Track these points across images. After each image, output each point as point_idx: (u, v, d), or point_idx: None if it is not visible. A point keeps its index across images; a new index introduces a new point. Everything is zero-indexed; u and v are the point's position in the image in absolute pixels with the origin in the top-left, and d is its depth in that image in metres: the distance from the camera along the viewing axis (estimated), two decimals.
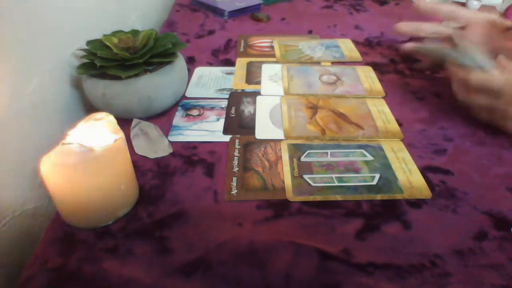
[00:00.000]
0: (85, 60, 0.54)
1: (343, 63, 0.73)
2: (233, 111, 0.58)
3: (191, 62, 0.72)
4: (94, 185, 0.37)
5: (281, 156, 0.49)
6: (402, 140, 0.52)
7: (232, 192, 0.44)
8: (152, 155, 0.49)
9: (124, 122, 0.49)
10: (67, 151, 0.36)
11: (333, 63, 0.73)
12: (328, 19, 0.94)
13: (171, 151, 0.50)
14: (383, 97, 0.62)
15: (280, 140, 0.52)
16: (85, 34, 0.58)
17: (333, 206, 0.42)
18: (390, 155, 0.49)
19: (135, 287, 0.34)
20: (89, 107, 0.58)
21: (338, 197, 0.43)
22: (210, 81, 0.66)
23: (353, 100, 0.61)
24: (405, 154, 0.50)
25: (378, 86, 0.65)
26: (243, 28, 0.89)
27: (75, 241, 0.38)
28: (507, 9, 1.88)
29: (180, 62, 0.58)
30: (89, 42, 0.55)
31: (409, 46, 0.62)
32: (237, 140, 0.52)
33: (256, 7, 0.97)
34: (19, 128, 0.45)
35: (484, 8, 1.85)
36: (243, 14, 0.95)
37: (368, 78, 0.67)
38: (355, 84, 0.65)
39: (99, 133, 0.39)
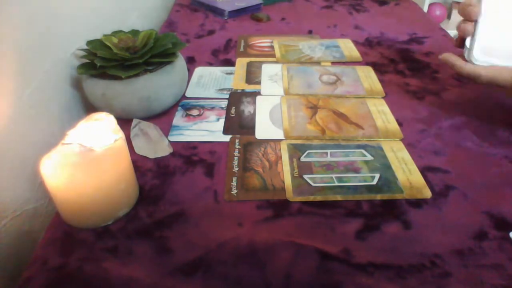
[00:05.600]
0: (85, 60, 0.54)
1: (343, 63, 0.73)
2: (233, 111, 0.58)
3: (191, 62, 0.72)
4: (94, 185, 0.37)
5: (281, 156, 0.49)
6: (402, 140, 0.52)
7: (232, 192, 0.44)
8: (152, 155, 0.49)
9: (124, 122, 0.49)
10: (67, 151, 0.36)
11: (333, 63, 0.73)
12: (328, 19, 0.94)
13: (171, 151, 0.50)
14: (383, 97, 0.62)
15: (280, 140, 0.52)
16: (85, 34, 0.58)
17: (333, 206, 0.42)
18: (390, 155, 0.49)
19: (135, 287, 0.34)
20: (89, 107, 0.58)
21: (338, 197, 0.43)
22: (210, 81, 0.66)
23: (353, 100, 0.61)
24: (405, 154, 0.50)
25: (378, 86, 0.65)
26: (243, 28, 0.89)
27: (75, 241, 0.38)
28: None
29: (180, 62, 0.58)
30: (89, 42, 0.55)
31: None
32: (237, 140, 0.52)
33: (256, 7, 0.97)
34: (19, 128, 0.45)
35: None
36: (243, 14, 0.95)
37: (368, 78, 0.67)
38: (355, 84, 0.65)
39: (99, 133, 0.39)
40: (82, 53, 0.54)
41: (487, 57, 0.47)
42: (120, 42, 0.54)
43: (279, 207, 0.42)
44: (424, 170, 0.47)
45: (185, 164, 0.48)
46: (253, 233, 0.39)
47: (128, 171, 0.41)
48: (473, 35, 0.48)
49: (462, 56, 0.50)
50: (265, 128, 0.54)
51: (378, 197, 0.43)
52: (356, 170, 0.47)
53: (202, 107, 0.59)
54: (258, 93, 0.63)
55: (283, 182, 0.45)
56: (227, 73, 0.69)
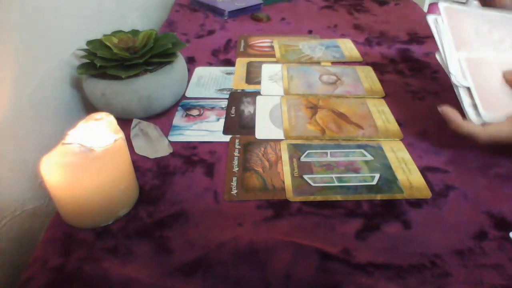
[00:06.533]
0: (85, 60, 0.54)
1: (343, 63, 0.73)
2: (233, 111, 0.58)
3: (191, 62, 0.72)
4: (94, 185, 0.37)
5: (281, 156, 0.49)
6: (402, 140, 0.52)
7: (232, 192, 0.44)
8: (152, 155, 0.49)
9: (124, 122, 0.49)
10: (67, 151, 0.36)
11: (333, 63, 0.73)
12: (328, 19, 0.94)
13: (171, 151, 0.50)
14: (383, 97, 0.62)
15: (280, 140, 0.52)
16: (85, 34, 0.58)
17: (333, 206, 0.42)
18: (390, 155, 0.49)
19: (135, 287, 0.34)
20: (89, 107, 0.58)
21: (338, 197, 0.43)
22: (210, 81, 0.66)
23: (353, 100, 0.61)
24: (405, 154, 0.50)
25: (378, 86, 0.65)
26: (243, 28, 0.89)
27: (75, 241, 0.38)
28: None
29: (180, 62, 0.58)
30: (89, 42, 0.55)
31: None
32: (237, 140, 0.52)
33: (256, 7, 0.97)
34: (19, 128, 0.45)
35: None
36: (243, 14, 0.95)
37: (368, 78, 0.67)
38: (355, 84, 0.65)
39: (99, 133, 0.39)
40: (82, 53, 0.54)
41: (488, 114, 0.45)
42: (120, 42, 0.54)
43: (279, 207, 0.42)
44: (424, 170, 0.47)
45: (185, 164, 0.48)
46: (253, 233, 0.39)
47: (128, 171, 0.41)
48: (461, 100, 0.47)
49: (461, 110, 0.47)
50: (265, 128, 0.54)
51: (378, 197, 0.43)
52: (356, 170, 0.47)
53: (202, 107, 0.59)
54: (258, 93, 0.63)
55: (283, 182, 0.45)
56: (227, 73, 0.69)
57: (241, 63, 0.72)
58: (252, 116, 0.57)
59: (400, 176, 0.46)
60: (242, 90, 0.64)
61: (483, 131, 0.44)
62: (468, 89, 0.47)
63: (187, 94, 0.62)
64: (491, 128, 0.44)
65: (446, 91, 0.63)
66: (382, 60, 0.74)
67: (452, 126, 0.46)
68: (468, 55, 0.49)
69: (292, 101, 0.60)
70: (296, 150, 0.50)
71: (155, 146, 0.50)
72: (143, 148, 0.50)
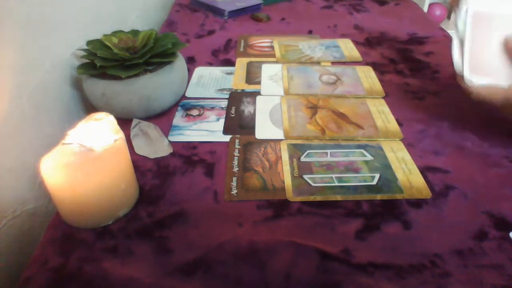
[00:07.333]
0: (85, 60, 0.54)
1: (343, 63, 0.73)
2: (233, 111, 0.58)
3: (191, 62, 0.72)
4: (94, 185, 0.37)
5: (281, 156, 0.49)
6: (402, 140, 0.52)
7: (232, 192, 0.44)
8: (152, 155, 0.49)
9: (124, 122, 0.49)
10: (67, 151, 0.36)
11: (333, 63, 0.73)
12: (328, 19, 0.94)
13: (171, 151, 0.50)
14: (383, 97, 0.62)
15: (280, 140, 0.52)
16: (85, 34, 0.58)
17: (333, 206, 0.42)
18: (389, 155, 0.49)
19: (135, 287, 0.34)
20: (89, 107, 0.58)
21: (338, 197, 0.43)
22: (210, 81, 0.66)
23: (353, 100, 0.61)
24: (405, 154, 0.50)
25: (378, 86, 0.65)
26: (243, 28, 0.89)
27: (75, 241, 0.38)
28: None
29: (180, 62, 0.58)
30: (89, 42, 0.55)
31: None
32: (237, 140, 0.52)
33: (256, 7, 0.97)
34: (19, 128, 0.45)
35: None
36: (243, 14, 0.95)
37: (368, 78, 0.67)
38: (355, 84, 0.65)
39: (99, 133, 0.39)
40: (82, 53, 0.54)
41: (477, 77, 0.46)
42: (120, 42, 0.54)
43: (279, 207, 0.42)
44: (424, 170, 0.47)
45: (185, 164, 0.48)
46: (253, 233, 0.39)
47: (128, 171, 0.41)
48: (462, 56, 0.47)
49: None
50: (265, 128, 0.54)
51: (378, 197, 0.43)
52: (356, 170, 0.47)
53: (202, 107, 0.59)
54: (258, 93, 0.63)
55: (283, 182, 0.45)
56: (227, 73, 0.69)
57: (241, 63, 0.72)
58: (252, 116, 0.57)
59: (400, 176, 0.46)
60: (242, 90, 0.64)
61: (475, 91, 0.46)
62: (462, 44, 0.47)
63: (187, 94, 0.62)
64: (484, 90, 0.45)
65: (446, 91, 0.63)
66: (382, 60, 0.74)
67: (457, 80, 0.48)
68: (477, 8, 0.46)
69: (292, 101, 0.60)
70: (296, 150, 0.50)
71: (155, 146, 0.50)
72: (143, 148, 0.50)
